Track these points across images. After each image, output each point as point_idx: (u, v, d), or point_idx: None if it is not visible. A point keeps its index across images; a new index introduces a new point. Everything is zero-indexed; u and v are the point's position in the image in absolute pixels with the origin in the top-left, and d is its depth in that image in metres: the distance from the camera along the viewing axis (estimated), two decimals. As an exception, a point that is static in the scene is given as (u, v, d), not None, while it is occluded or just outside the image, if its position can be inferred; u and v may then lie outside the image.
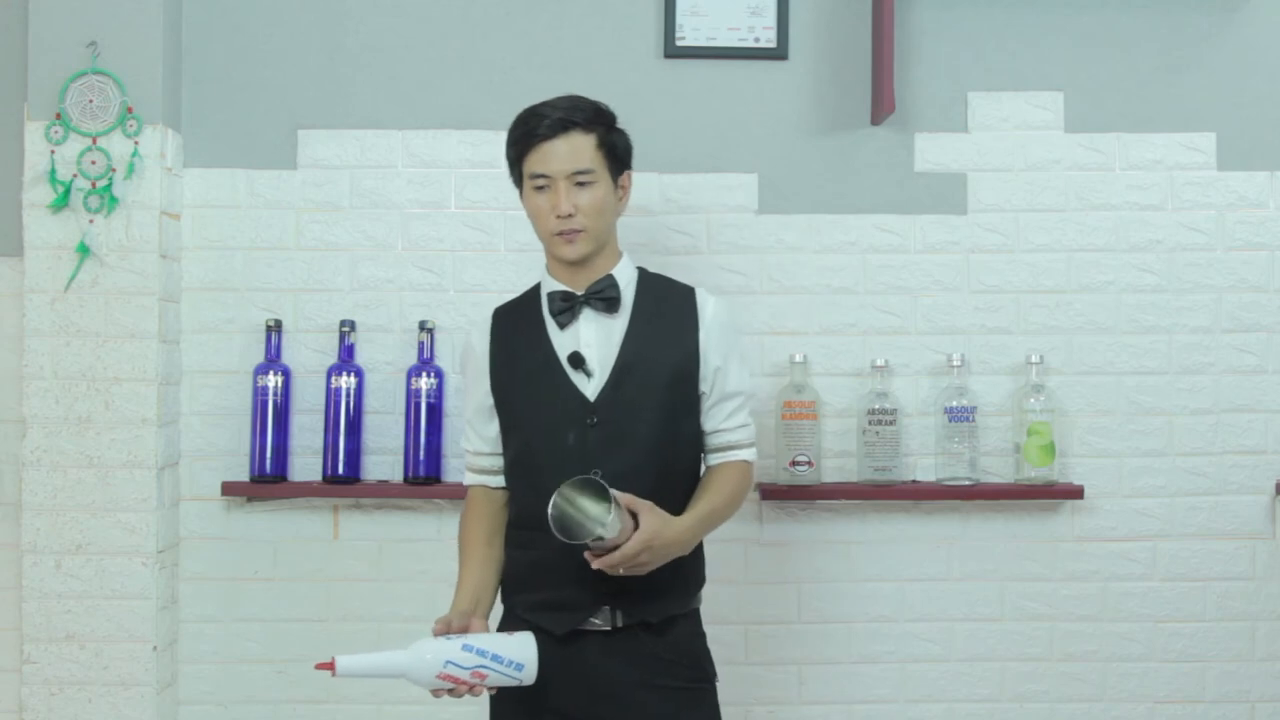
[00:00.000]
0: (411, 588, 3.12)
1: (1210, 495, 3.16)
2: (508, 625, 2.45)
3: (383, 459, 3.13)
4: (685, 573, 2.43)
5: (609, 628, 2.37)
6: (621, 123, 3.12)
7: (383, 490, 3.09)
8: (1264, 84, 3.20)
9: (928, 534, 3.15)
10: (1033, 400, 3.08)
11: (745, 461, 2.48)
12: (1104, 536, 3.16)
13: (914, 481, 3.14)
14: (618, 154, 2.46)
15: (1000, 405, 3.14)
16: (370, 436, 3.13)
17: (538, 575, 2.41)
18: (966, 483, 3.07)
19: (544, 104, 2.45)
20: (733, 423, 2.46)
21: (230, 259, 3.15)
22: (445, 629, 2.28)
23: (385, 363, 3.14)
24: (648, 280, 2.50)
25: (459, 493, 3.07)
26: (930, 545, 3.15)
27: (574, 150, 2.39)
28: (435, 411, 3.08)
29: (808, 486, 3.07)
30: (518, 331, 2.48)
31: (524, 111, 2.46)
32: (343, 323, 3.10)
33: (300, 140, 3.16)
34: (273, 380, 3.07)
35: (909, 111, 3.17)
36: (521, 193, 2.46)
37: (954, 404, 3.08)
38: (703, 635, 2.48)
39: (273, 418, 3.07)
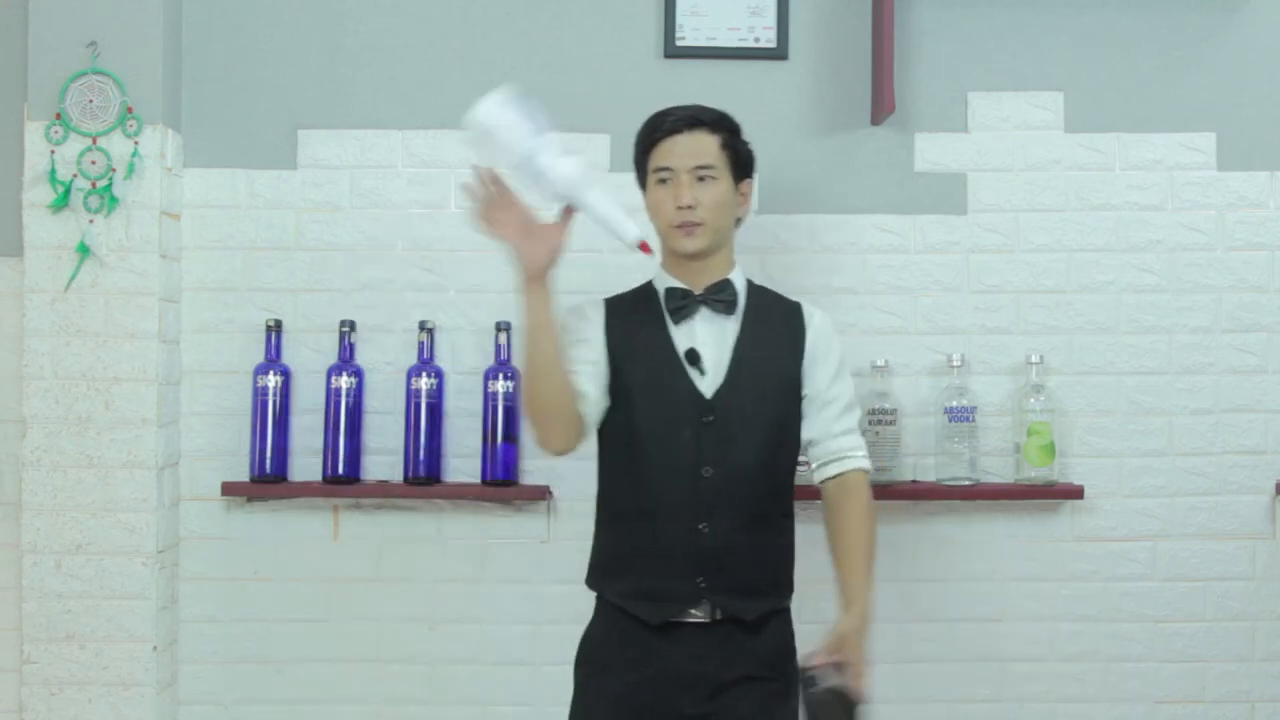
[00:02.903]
0: (411, 588, 3.12)
1: (1210, 495, 3.16)
2: (601, 612, 2.48)
3: (383, 459, 3.13)
4: (779, 572, 2.49)
5: (706, 620, 2.39)
6: (621, 123, 3.13)
7: (383, 490, 3.09)
8: (1264, 84, 3.20)
9: (928, 534, 3.15)
10: (1033, 400, 3.08)
11: (860, 470, 2.49)
12: (1104, 536, 3.16)
13: (914, 481, 3.14)
14: (740, 159, 2.50)
15: (1000, 405, 3.14)
16: (370, 436, 3.13)
17: (634, 562, 2.43)
18: (966, 483, 3.07)
19: (671, 107, 2.52)
20: (840, 426, 2.49)
21: (230, 259, 3.15)
22: None
23: (385, 363, 3.14)
24: (757, 289, 2.56)
25: (459, 492, 3.08)
26: (930, 545, 3.15)
27: (698, 146, 2.45)
28: (435, 411, 3.08)
29: (808, 486, 3.06)
30: (635, 322, 2.49)
31: (653, 114, 2.53)
32: (343, 323, 3.10)
33: (300, 140, 3.16)
34: (273, 380, 3.07)
35: (909, 111, 3.17)
36: (645, 191, 2.51)
37: (954, 404, 3.08)
38: (793, 635, 2.50)
39: (273, 418, 3.07)
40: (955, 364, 3.10)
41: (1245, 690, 3.16)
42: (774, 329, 2.49)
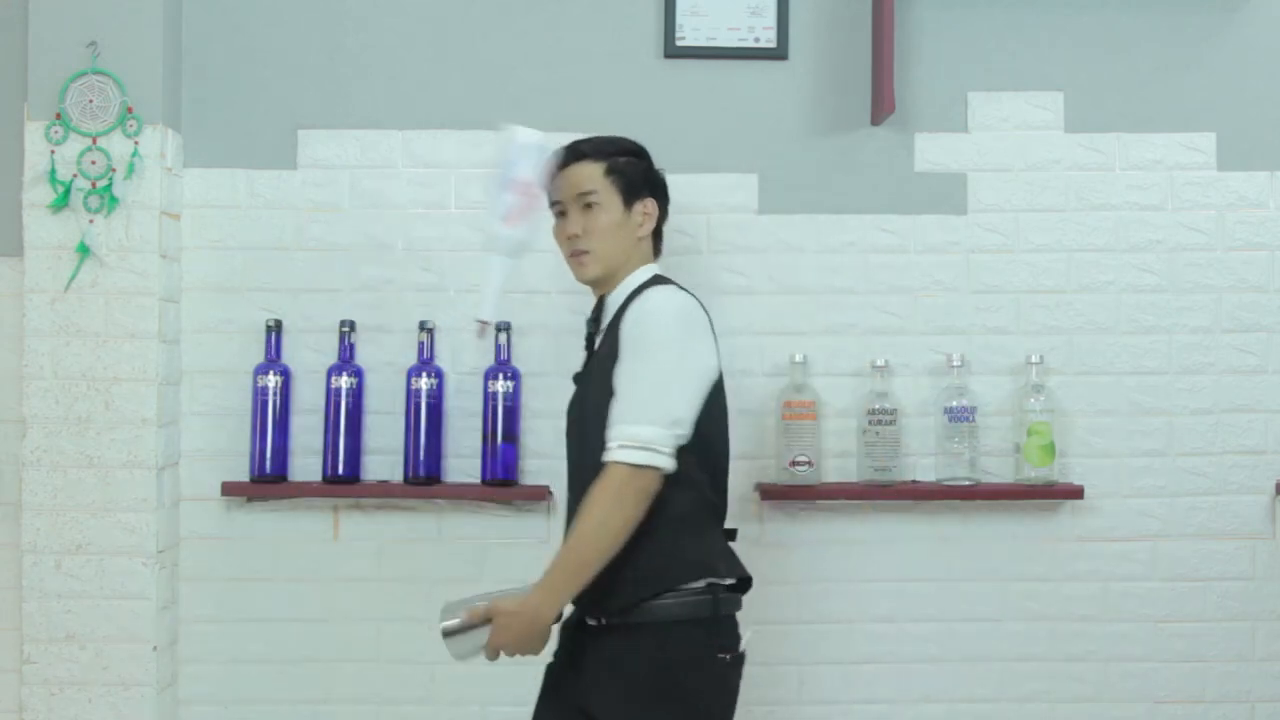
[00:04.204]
0: (411, 588, 3.12)
1: (1210, 495, 3.16)
2: None
3: (383, 459, 3.13)
4: (623, 573, 2.34)
5: (573, 622, 2.49)
6: (621, 123, 3.13)
7: (383, 490, 3.09)
8: (1264, 84, 3.19)
9: (928, 534, 3.15)
10: (1033, 400, 3.08)
11: (611, 463, 2.30)
12: (1104, 536, 3.15)
13: (914, 481, 3.14)
14: (629, 180, 2.52)
15: (1000, 405, 3.14)
16: (370, 436, 3.13)
17: None
18: (966, 483, 3.07)
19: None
20: (614, 416, 2.33)
21: (230, 259, 3.15)
22: None
23: (385, 363, 3.14)
24: (630, 297, 2.46)
25: (459, 492, 3.08)
26: (930, 545, 3.15)
27: (579, 176, 2.51)
28: (435, 411, 3.08)
29: (808, 486, 3.07)
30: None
31: None
32: (343, 323, 3.10)
33: (300, 140, 3.16)
34: (273, 380, 3.07)
35: (909, 111, 3.17)
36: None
37: (954, 404, 3.07)
38: (654, 650, 2.34)
39: (273, 418, 3.07)
40: (955, 364, 3.10)
41: (1245, 690, 3.15)
42: (612, 332, 2.45)
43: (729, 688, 2.39)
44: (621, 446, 2.29)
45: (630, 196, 2.51)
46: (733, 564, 2.43)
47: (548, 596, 2.32)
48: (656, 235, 2.60)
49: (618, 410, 2.32)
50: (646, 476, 2.29)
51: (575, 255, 2.50)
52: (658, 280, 2.49)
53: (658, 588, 2.35)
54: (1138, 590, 3.15)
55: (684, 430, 2.33)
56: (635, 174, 2.53)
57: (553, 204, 2.54)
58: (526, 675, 3.09)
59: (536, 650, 2.35)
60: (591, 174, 2.50)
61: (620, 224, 2.50)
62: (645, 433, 2.29)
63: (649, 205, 2.54)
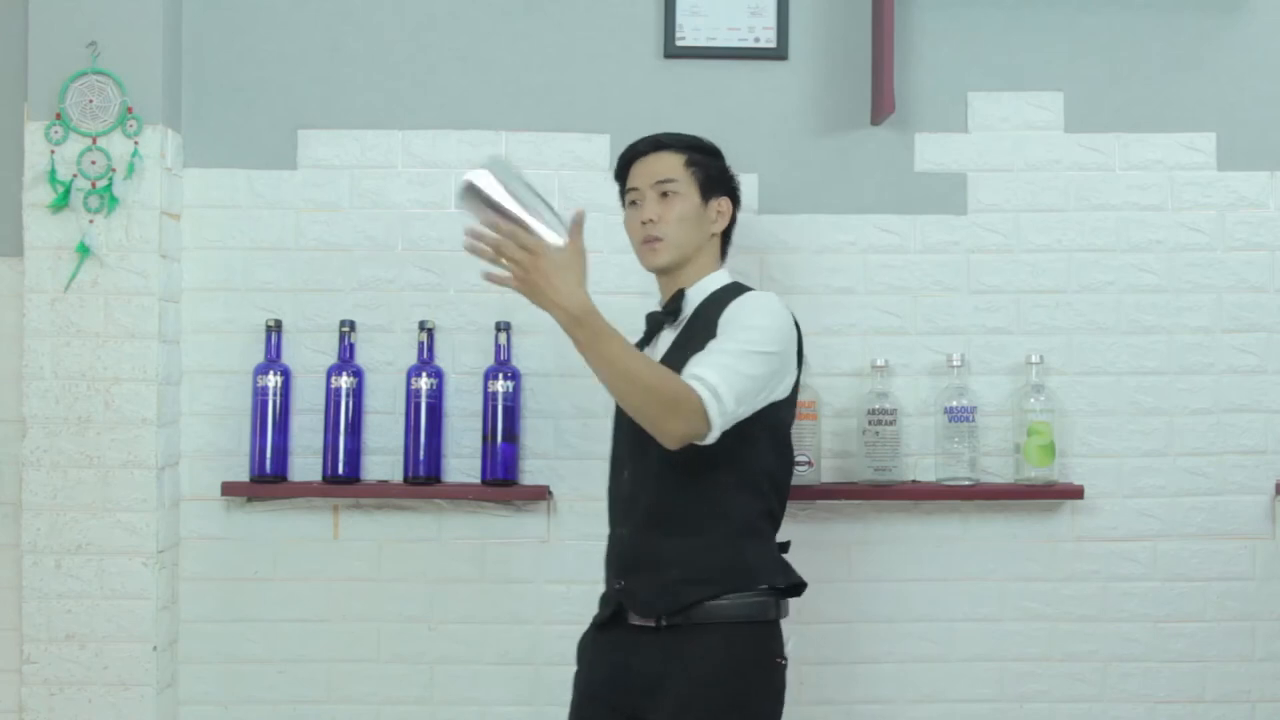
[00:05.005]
0: (411, 588, 3.12)
1: (1210, 495, 3.16)
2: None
3: (383, 459, 3.13)
4: (697, 571, 2.38)
5: (643, 624, 2.42)
6: (621, 123, 3.13)
7: (383, 490, 3.09)
8: (1264, 84, 3.19)
9: (928, 534, 3.15)
10: (1033, 400, 3.08)
11: (700, 390, 2.23)
12: (1104, 536, 3.15)
13: (914, 481, 3.14)
14: (711, 177, 2.54)
15: (1000, 405, 3.14)
16: (370, 436, 3.13)
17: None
18: (966, 483, 3.07)
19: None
20: (699, 360, 2.29)
21: (230, 259, 3.15)
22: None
23: (385, 363, 3.14)
24: (722, 292, 2.49)
25: (459, 492, 3.09)
26: (930, 545, 3.15)
27: (660, 164, 2.52)
28: (435, 411, 3.08)
29: (808, 486, 3.07)
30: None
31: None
32: (343, 323, 3.10)
33: (300, 140, 3.16)
34: (273, 380, 3.07)
35: (909, 111, 3.17)
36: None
37: (954, 404, 3.07)
38: (741, 649, 2.35)
39: (273, 418, 3.07)
40: (955, 364, 3.10)
41: (1245, 690, 3.15)
42: (702, 330, 2.41)
43: (781, 693, 2.44)
44: (712, 394, 2.23)
45: (708, 192, 2.53)
46: (789, 571, 2.49)
47: (594, 325, 2.17)
48: (725, 241, 2.61)
49: (719, 362, 2.27)
50: (702, 426, 2.24)
51: (648, 242, 2.50)
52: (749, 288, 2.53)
53: (720, 589, 2.37)
54: (1138, 590, 3.15)
55: (740, 415, 2.30)
56: (714, 171, 2.55)
57: (628, 191, 2.55)
58: (526, 675, 3.11)
59: (540, 298, 2.16)
60: (672, 164, 2.51)
61: (696, 216, 2.52)
62: (729, 403, 2.25)
63: (724, 204, 2.56)
